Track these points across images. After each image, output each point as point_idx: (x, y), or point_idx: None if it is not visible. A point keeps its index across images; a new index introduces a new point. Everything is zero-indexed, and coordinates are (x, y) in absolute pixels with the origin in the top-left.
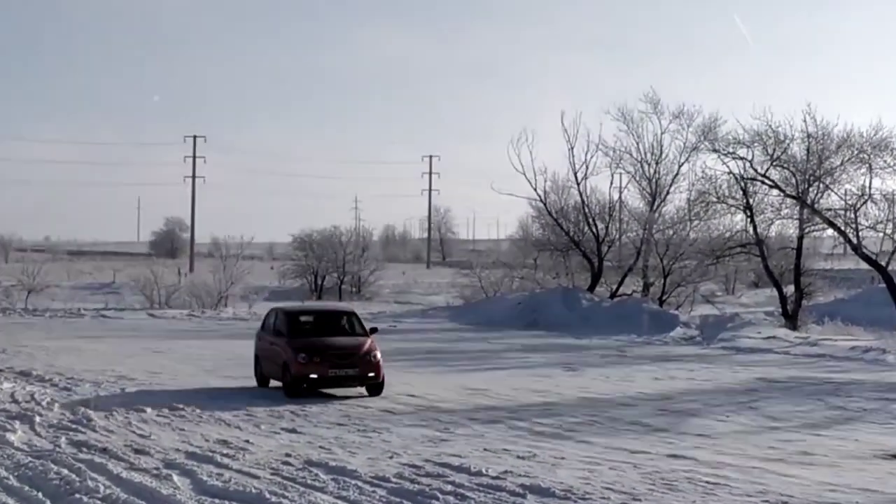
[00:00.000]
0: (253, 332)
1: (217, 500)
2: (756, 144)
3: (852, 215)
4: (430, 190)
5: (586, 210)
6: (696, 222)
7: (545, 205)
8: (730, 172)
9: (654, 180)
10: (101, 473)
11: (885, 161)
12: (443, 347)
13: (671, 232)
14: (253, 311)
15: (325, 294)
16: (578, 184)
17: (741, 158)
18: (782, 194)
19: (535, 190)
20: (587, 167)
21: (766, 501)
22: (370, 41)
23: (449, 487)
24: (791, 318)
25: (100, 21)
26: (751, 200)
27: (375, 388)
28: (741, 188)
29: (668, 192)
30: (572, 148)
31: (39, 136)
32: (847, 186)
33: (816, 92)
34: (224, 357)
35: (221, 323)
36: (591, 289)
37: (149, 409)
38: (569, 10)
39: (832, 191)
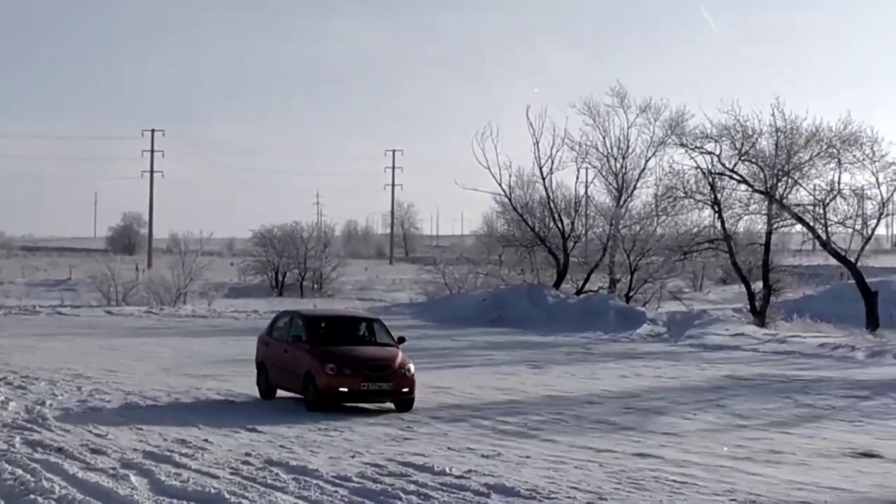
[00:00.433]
0: (213, 330)
1: (175, 501)
2: (724, 139)
3: (821, 211)
4: (393, 185)
5: (552, 205)
6: (663, 218)
7: (510, 200)
8: (697, 167)
9: (620, 175)
10: (57, 473)
11: (854, 156)
12: (405, 345)
13: (638, 227)
14: (212, 307)
15: (285, 291)
16: (544, 178)
17: (709, 153)
18: (750, 189)
19: (500, 185)
20: (553, 162)
21: (734, 500)
22: (333, 34)
23: (412, 487)
24: (759, 315)
25: (55, 14)
26: (719, 196)
27: (406, 403)
28: (709, 183)
29: (634, 187)
30: (537, 142)
31: None
32: (816, 181)
33: (785, 86)
34: (183, 355)
35: (180, 320)
36: (557, 285)
37: (106, 409)
38: (534, 2)
39: (801, 186)
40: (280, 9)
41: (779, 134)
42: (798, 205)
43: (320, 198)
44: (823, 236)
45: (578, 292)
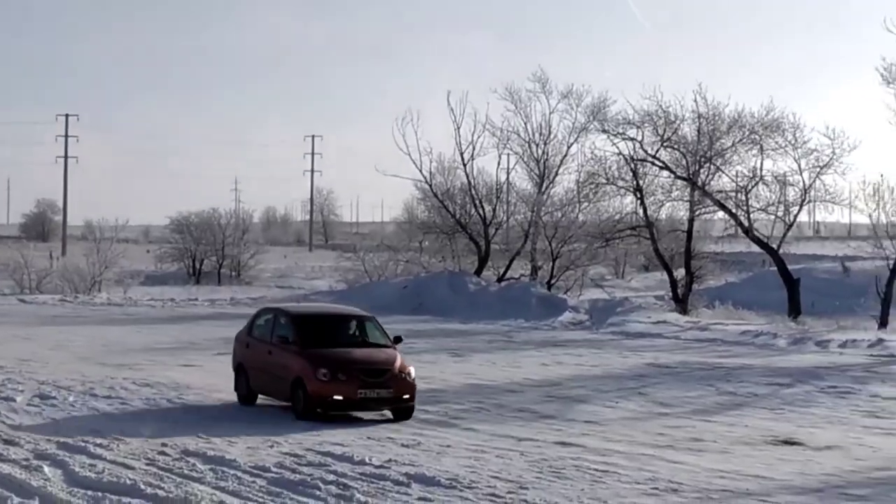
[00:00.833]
0: (129, 318)
1: (90, 492)
2: (646, 125)
3: (743, 197)
4: (312, 171)
5: (473, 192)
6: (585, 204)
7: (431, 186)
8: (619, 153)
9: (542, 161)
10: None
11: (776, 142)
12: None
13: (560, 214)
14: (128, 296)
15: (203, 278)
16: (465, 165)
17: (631, 139)
18: (673, 176)
19: (421, 171)
20: (474, 148)
21: (656, 489)
22: (252, 18)
23: (331, 477)
24: (681, 303)
25: None
26: (641, 182)
27: (406, 412)
28: (631, 169)
29: (556, 174)
30: (459, 128)
31: None
32: (738, 168)
33: (708, 72)
34: (98, 344)
35: (95, 308)
36: (478, 272)
37: (19, 398)
38: None
39: (723, 172)
40: None
41: (701, 120)
42: (720, 191)
43: (239, 184)
44: (746, 223)
45: (500, 280)
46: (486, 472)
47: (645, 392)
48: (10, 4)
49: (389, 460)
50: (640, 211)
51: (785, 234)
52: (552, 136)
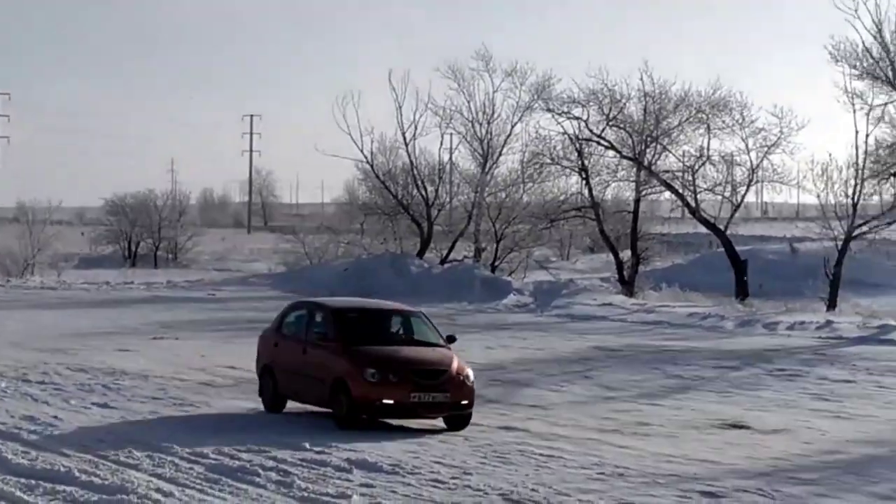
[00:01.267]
0: (63, 302)
1: (23, 480)
2: (591, 104)
3: (690, 177)
4: (251, 151)
5: (415, 172)
6: (529, 185)
7: (372, 167)
8: (564, 133)
9: (485, 141)
10: None
11: (723, 121)
12: (264, 317)
13: (504, 195)
14: (62, 279)
15: (139, 261)
16: (407, 144)
17: (576, 118)
18: (618, 155)
19: (362, 151)
20: (416, 127)
21: (602, 473)
22: None
23: (271, 463)
24: (627, 285)
25: None
26: (586, 162)
27: (464, 420)
28: (576, 149)
29: (500, 154)
30: (400, 107)
31: None
32: (685, 147)
33: (655, 51)
34: (31, 328)
35: (28, 292)
36: (421, 254)
37: None
38: None
39: (670, 152)
40: None
41: (647, 99)
42: (667, 171)
43: (175, 165)
44: (693, 203)
45: (443, 262)
46: (428, 457)
47: (591, 376)
48: None
49: (330, 446)
50: (586, 191)
51: (732, 215)
52: (496, 116)
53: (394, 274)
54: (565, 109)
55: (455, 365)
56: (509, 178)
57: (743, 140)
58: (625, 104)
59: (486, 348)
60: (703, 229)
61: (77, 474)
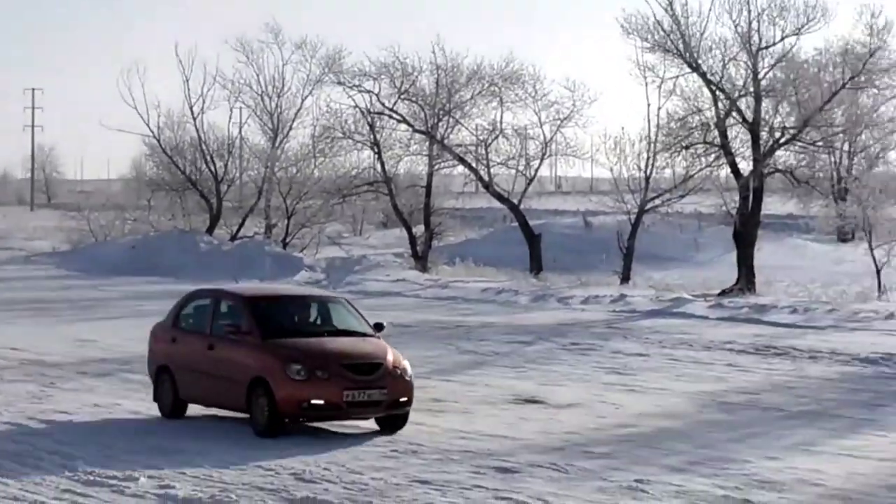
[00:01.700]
0: None
1: None
2: (383, 77)
3: (483, 151)
4: (33, 126)
5: (203, 147)
6: (321, 159)
7: (159, 142)
8: (356, 106)
9: (275, 115)
10: None
11: (516, 94)
12: (49, 296)
13: (295, 170)
14: None
15: None
16: (195, 119)
17: (368, 91)
18: (411, 129)
19: (148, 126)
20: (204, 101)
21: (395, 451)
22: None
23: (55, 447)
24: (421, 260)
25: None
26: (378, 136)
27: (401, 420)
28: (368, 123)
29: (290, 128)
30: (188, 80)
31: None
32: (478, 121)
33: (447, 23)
34: None
35: None
36: (210, 231)
37: None
38: None
39: (462, 125)
40: None
41: (439, 72)
42: (460, 145)
43: None
44: (486, 178)
45: (233, 238)
46: (219, 437)
47: None
48: None
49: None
50: (378, 166)
51: (526, 189)
52: (286, 89)
53: (182, 251)
54: (356, 83)
55: (391, 357)
56: (300, 152)
57: (536, 113)
58: (417, 77)
59: None
60: (496, 204)
61: None
